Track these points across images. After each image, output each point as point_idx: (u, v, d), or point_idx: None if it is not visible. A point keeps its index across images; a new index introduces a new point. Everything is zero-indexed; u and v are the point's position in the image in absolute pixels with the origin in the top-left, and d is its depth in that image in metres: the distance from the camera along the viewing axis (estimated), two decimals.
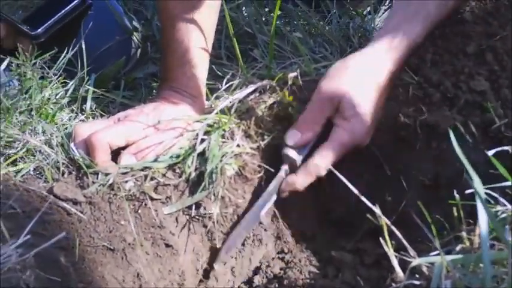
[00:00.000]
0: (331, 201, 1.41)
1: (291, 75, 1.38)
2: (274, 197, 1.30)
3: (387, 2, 1.73)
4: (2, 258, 0.92)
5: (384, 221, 0.92)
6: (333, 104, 1.27)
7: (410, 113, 1.34)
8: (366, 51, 1.31)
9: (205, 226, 1.28)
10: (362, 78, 1.27)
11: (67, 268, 1.07)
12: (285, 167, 1.30)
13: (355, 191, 0.93)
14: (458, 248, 0.91)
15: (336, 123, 1.27)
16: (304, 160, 1.29)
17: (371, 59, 1.29)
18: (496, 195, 0.91)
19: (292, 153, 1.28)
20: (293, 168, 1.30)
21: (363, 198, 0.93)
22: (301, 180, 1.28)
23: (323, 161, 1.26)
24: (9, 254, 0.92)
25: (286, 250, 1.37)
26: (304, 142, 1.29)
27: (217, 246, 1.28)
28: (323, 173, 1.27)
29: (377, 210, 0.91)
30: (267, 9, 1.81)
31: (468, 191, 0.93)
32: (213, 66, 1.58)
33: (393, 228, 0.91)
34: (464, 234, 0.91)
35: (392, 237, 0.93)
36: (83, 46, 1.42)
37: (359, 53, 1.32)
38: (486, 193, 0.88)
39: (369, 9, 1.72)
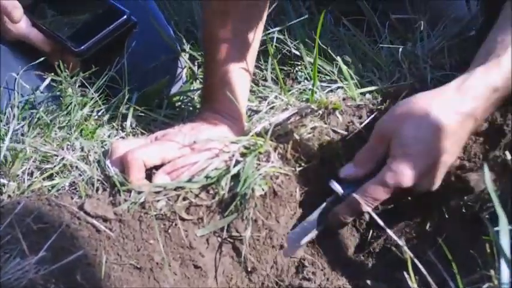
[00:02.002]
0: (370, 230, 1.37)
1: (332, 99, 1.35)
2: (315, 232, 1.31)
3: (441, 27, 1.69)
4: (20, 272, 0.92)
5: (408, 254, 0.88)
6: (385, 141, 1.23)
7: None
8: (436, 90, 1.24)
9: (236, 249, 1.26)
10: (420, 118, 1.20)
11: (91, 285, 1.07)
12: (329, 199, 1.30)
13: (381, 223, 0.90)
14: (485, 286, 0.86)
15: (386, 162, 1.24)
16: None
17: (437, 99, 1.21)
18: None
19: (336, 187, 1.28)
20: (337, 202, 1.30)
21: (389, 232, 0.90)
22: (343, 212, 1.27)
23: (365, 199, 1.24)
24: (27, 269, 0.92)
25: (322, 277, 1.33)
26: (353, 177, 1.27)
27: (249, 270, 1.26)
28: (364, 209, 1.24)
29: (402, 243, 0.88)
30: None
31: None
32: (258, 88, 1.57)
33: (417, 262, 0.87)
34: (493, 272, 0.86)
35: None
36: (125, 64, 1.42)
37: (430, 91, 1.25)
38: None
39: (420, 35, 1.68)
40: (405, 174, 1.21)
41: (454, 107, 1.19)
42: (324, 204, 1.30)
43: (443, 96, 1.21)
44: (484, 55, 1.22)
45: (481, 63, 1.21)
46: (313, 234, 1.31)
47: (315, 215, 1.31)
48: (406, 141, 1.20)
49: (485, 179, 0.85)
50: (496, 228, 0.83)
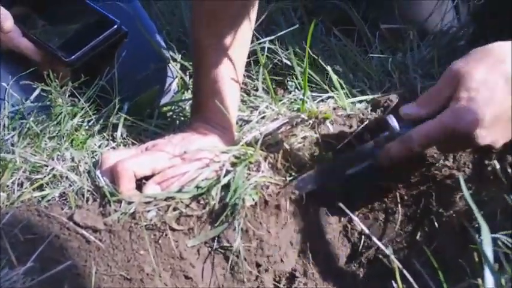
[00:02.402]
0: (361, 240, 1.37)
1: (323, 109, 1.36)
2: (368, 162, 1.28)
3: (431, 37, 1.70)
4: (8, 283, 0.92)
5: (396, 264, 0.88)
6: (454, 83, 1.17)
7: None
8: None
9: (227, 259, 1.25)
10: (494, 65, 1.15)
11: None
12: (384, 135, 1.27)
13: (366, 231, 0.90)
14: None
15: (449, 104, 1.18)
16: None
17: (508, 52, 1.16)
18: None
19: (393, 121, 1.24)
20: (391, 138, 1.25)
21: (375, 240, 0.90)
22: (394, 149, 1.22)
23: (417, 135, 1.19)
24: (15, 279, 0.92)
25: (314, 287, 1.33)
26: (414, 116, 1.22)
27: (240, 280, 1.26)
28: (416, 147, 1.19)
29: (388, 252, 0.88)
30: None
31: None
32: (249, 98, 1.57)
33: (405, 271, 0.87)
34: (480, 281, 0.86)
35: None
36: (116, 74, 1.42)
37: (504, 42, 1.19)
38: None
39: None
40: (464, 119, 1.15)
41: None
42: (377, 138, 1.28)
43: None
44: None
45: None
46: (363, 165, 1.29)
47: (367, 146, 1.29)
48: (475, 84, 1.15)
49: (463, 189, 0.85)
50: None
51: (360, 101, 1.48)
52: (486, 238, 0.80)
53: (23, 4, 1.48)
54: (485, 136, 1.16)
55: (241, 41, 1.37)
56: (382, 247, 0.90)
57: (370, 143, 1.28)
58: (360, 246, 1.37)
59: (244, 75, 1.51)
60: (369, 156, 1.29)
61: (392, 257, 0.90)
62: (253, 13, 1.41)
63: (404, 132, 1.22)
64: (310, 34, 1.36)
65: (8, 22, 1.40)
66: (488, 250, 0.79)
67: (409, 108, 1.23)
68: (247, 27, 1.38)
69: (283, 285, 1.32)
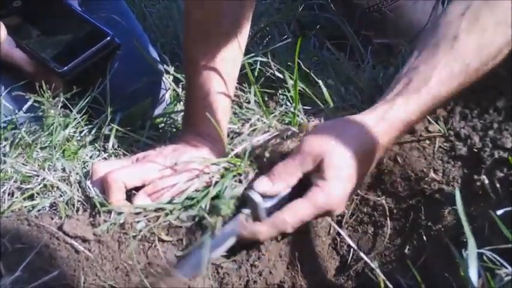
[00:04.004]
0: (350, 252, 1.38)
1: (312, 124, 1.37)
2: (232, 241, 1.23)
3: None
4: None
5: (381, 278, 0.88)
6: (315, 160, 1.21)
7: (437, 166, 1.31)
8: (358, 117, 1.25)
9: (216, 269, 1.26)
10: (350, 143, 1.21)
11: None
12: (246, 211, 1.23)
13: (353, 245, 0.90)
14: None
15: (315, 182, 1.21)
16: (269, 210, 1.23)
17: (360, 127, 1.23)
18: (497, 257, 0.87)
19: (257, 197, 1.21)
20: (255, 215, 1.23)
21: (362, 254, 0.90)
22: (265, 232, 1.22)
23: (292, 218, 1.20)
24: None
25: None
26: (273, 193, 1.22)
27: None
28: (289, 230, 1.21)
29: (373, 265, 0.88)
30: (301, 56, 1.80)
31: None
32: (241, 111, 1.58)
33: (389, 285, 0.87)
34: None
35: None
36: (108, 85, 1.43)
37: (352, 117, 1.26)
38: None
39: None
40: (337, 198, 1.21)
41: (375, 139, 1.22)
42: (239, 216, 1.23)
43: (367, 127, 1.22)
44: (404, 84, 1.24)
45: (400, 92, 1.23)
46: (227, 245, 1.23)
47: (230, 227, 1.23)
48: (340, 163, 1.20)
49: (457, 204, 0.86)
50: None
51: (351, 114, 1.49)
52: (472, 253, 0.80)
53: (17, 15, 1.49)
54: (342, 208, 1.25)
55: (233, 55, 1.38)
56: (368, 261, 0.91)
57: (233, 223, 1.23)
58: (349, 259, 1.37)
59: (236, 88, 1.52)
60: (232, 235, 1.23)
61: (378, 270, 0.90)
62: (247, 27, 1.43)
63: (269, 206, 1.22)
64: (298, 47, 1.36)
65: (1, 32, 1.41)
66: (473, 265, 0.80)
67: (264, 185, 1.22)
68: (239, 42, 1.39)
69: None
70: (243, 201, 1.25)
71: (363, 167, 1.24)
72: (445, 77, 1.22)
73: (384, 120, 1.23)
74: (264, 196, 1.22)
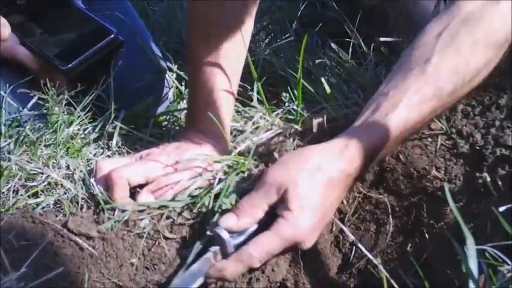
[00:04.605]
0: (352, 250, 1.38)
1: (316, 121, 1.37)
2: (200, 281, 1.15)
3: None
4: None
5: (384, 274, 0.89)
6: (279, 191, 1.16)
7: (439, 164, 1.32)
8: (321, 146, 1.22)
9: None
10: (313, 172, 1.17)
11: None
12: (214, 249, 1.18)
13: (360, 245, 0.91)
14: None
15: (280, 213, 1.16)
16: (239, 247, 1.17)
17: (325, 155, 1.19)
18: (500, 253, 0.87)
19: (224, 234, 1.16)
20: (224, 252, 1.17)
21: (365, 251, 0.91)
22: (231, 269, 1.15)
23: (258, 252, 1.14)
24: (8, 285, 0.93)
25: None
26: (239, 228, 1.17)
27: None
28: (256, 264, 1.16)
29: (376, 262, 0.89)
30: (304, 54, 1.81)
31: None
32: (244, 109, 1.58)
33: (393, 282, 0.88)
34: None
35: None
36: (111, 83, 1.43)
37: (316, 146, 1.22)
38: None
39: None
40: (302, 227, 1.16)
41: (339, 167, 1.18)
42: (207, 254, 1.17)
43: (330, 155, 1.19)
44: (372, 109, 1.21)
45: (366, 118, 1.21)
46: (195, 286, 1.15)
47: (197, 266, 1.16)
48: (303, 192, 1.16)
49: (448, 200, 0.86)
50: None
51: (354, 113, 1.49)
52: (471, 250, 0.81)
53: (21, 12, 1.50)
54: (313, 239, 1.20)
55: (236, 53, 1.39)
56: (371, 257, 0.91)
57: (200, 261, 1.16)
58: (351, 257, 1.37)
59: (239, 86, 1.53)
60: (198, 276, 1.15)
61: (381, 267, 0.91)
62: (250, 25, 1.43)
63: (238, 243, 1.17)
64: (303, 46, 1.37)
65: (5, 30, 1.42)
66: (472, 262, 0.80)
67: (228, 221, 1.17)
68: (243, 40, 1.40)
69: None
70: (211, 240, 1.20)
71: (331, 196, 1.20)
72: (416, 101, 1.18)
73: (348, 148, 1.19)
74: (232, 232, 1.17)
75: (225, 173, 1.28)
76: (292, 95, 1.62)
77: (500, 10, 1.19)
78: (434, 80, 1.18)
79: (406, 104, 1.18)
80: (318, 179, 1.17)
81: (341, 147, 1.19)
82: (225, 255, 1.17)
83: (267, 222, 1.18)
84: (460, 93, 1.21)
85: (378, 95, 1.23)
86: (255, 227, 1.18)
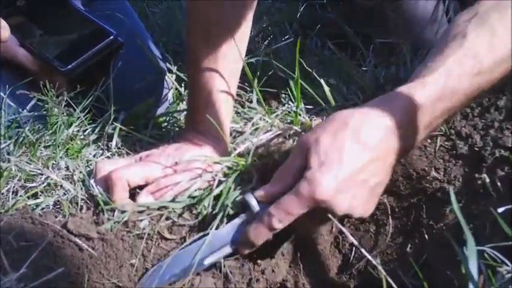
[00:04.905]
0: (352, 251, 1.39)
1: (316, 121, 1.37)
2: (227, 250, 1.20)
3: (424, 51, 1.71)
4: None
5: (383, 275, 0.89)
6: (304, 153, 1.13)
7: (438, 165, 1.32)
8: (358, 109, 1.17)
9: (219, 269, 1.26)
10: (339, 128, 1.12)
11: None
12: (243, 216, 1.20)
13: (356, 243, 0.91)
14: None
15: (304, 174, 1.13)
16: None
17: (361, 113, 1.14)
18: (499, 254, 0.88)
19: (252, 201, 1.17)
20: (252, 219, 1.18)
21: (364, 252, 0.90)
22: (254, 231, 1.16)
23: (276, 210, 1.13)
24: (7, 285, 0.93)
25: None
26: (268, 194, 1.17)
27: None
28: (276, 225, 1.14)
29: (375, 262, 0.89)
30: (303, 55, 1.81)
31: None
32: (243, 110, 1.59)
33: (392, 283, 0.88)
34: None
35: None
36: (111, 84, 1.43)
37: (357, 108, 1.18)
38: None
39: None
40: (320, 184, 1.10)
41: (374, 119, 1.12)
42: (236, 220, 1.20)
43: (363, 109, 1.14)
44: (411, 77, 1.16)
45: (411, 81, 1.15)
46: (223, 252, 1.20)
47: (225, 231, 1.20)
48: (323, 149, 1.11)
49: (452, 203, 0.86)
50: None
51: None
52: (471, 251, 0.81)
53: (20, 14, 1.50)
54: (343, 201, 1.12)
55: (235, 54, 1.39)
56: (370, 258, 0.91)
57: (227, 227, 1.20)
58: (351, 258, 1.38)
59: (238, 87, 1.53)
60: (226, 243, 1.20)
61: (380, 267, 0.90)
62: (249, 26, 1.43)
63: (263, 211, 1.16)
64: (298, 47, 1.37)
65: (5, 32, 1.42)
66: (473, 263, 0.80)
67: (260, 189, 1.18)
68: (242, 41, 1.40)
69: None
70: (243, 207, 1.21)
71: (361, 156, 1.11)
72: (455, 72, 1.11)
73: (384, 101, 1.14)
74: (262, 202, 1.17)
75: (225, 174, 1.28)
76: (291, 96, 1.62)
77: None
78: (472, 52, 1.11)
79: (445, 70, 1.11)
80: (342, 134, 1.11)
81: (378, 100, 1.14)
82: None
83: None
84: (498, 72, 1.14)
85: (418, 67, 1.16)
86: None
